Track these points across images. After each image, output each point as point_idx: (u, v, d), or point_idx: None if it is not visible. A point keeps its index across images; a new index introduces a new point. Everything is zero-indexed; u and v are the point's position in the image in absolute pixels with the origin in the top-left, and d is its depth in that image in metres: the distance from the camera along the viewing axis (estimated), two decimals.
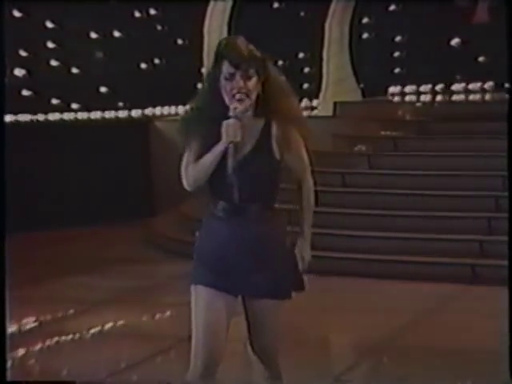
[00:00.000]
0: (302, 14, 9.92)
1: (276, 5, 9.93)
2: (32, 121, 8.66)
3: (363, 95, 9.50)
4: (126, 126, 8.95)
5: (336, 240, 6.55)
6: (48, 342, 4.81)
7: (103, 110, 9.08)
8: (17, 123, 8.50)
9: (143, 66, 9.41)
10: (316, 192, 2.87)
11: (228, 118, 2.62)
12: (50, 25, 8.79)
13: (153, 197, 8.64)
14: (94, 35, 9.11)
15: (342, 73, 9.28)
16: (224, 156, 2.65)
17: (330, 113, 8.73)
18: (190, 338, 2.71)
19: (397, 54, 10.44)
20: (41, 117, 8.71)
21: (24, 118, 8.62)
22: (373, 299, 5.62)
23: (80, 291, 6.03)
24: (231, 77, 2.63)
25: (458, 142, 7.30)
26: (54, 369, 4.38)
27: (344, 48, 9.36)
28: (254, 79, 2.65)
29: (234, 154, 2.65)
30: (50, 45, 8.82)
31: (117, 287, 6.15)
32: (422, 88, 10.25)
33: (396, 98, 10.07)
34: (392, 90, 10.23)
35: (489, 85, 10.00)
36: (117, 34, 9.23)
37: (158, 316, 5.38)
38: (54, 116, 8.81)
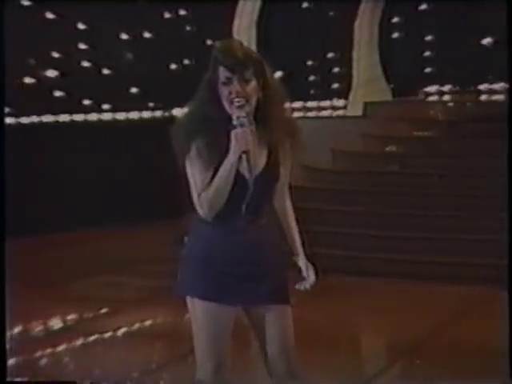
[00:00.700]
0: (332, 13, 9.88)
1: (305, 5, 9.90)
2: (64, 121, 8.75)
3: (393, 95, 9.43)
4: (156, 126, 9.00)
5: (365, 240, 6.52)
6: (78, 342, 4.84)
7: (133, 111, 9.14)
8: (48, 124, 8.59)
9: (173, 66, 9.45)
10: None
11: (231, 126, 2.48)
12: (81, 26, 8.87)
13: (182, 197, 8.67)
14: (124, 36, 9.18)
15: (372, 73, 9.22)
16: (237, 175, 2.51)
17: (359, 113, 8.67)
18: None
19: (427, 53, 10.35)
20: (72, 117, 8.80)
21: (56, 118, 8.71)
22: (403, 301, 5.58)
23: (109, 291, 6.07)
24: (228, 81, 2.51)
25: (489, 143, 7.21)
26: (84, 369, 4.41)
27: (374, 48, 9.30)
28: (253, 83, 2.53)
29: (248, 169, 2.51)
30: (82, 46, 8.90)
31: (146, 287, 6.18)
32: (453, 88, 10.14)
33: (427, 98, 9.98)
34: (423, 89, 10.14)
35: None
36: (147, 34, 9.29)
37: (187, 316, 5.40)
38: (85, 116, 8.89)
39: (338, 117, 9.07)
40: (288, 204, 2.69)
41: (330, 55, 9.98)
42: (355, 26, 9.12)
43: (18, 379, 4.03)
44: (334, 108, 9.51)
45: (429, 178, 7.00)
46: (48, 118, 8.64)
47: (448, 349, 4.55)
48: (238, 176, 2.53)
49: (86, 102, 8.91)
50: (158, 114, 9.30)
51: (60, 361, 4.64)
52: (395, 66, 9.70)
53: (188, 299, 2.64)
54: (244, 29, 9.03)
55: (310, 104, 9.48)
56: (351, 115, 8.80)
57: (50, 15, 8.65)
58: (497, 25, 9.76)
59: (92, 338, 4.92)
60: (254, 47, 9.27)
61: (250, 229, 2.59)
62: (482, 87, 10.08)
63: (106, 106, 9.02)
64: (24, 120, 8.49)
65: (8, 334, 4.72)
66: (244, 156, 2.49)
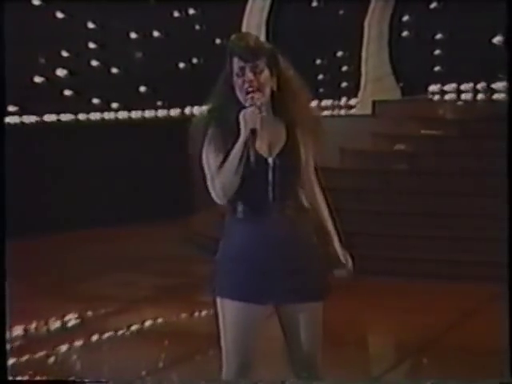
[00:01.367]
0: (341, 12, 9.87)
1: (315, 3, 9.89)
2: (73, 120, 8.78)
3: (403, 94, 9.41)
4: (165, 125, 9.01)
5: (374, 240, 6.51)
6: (87, 341, 4.86)
7: (143, 110, 9.16)
8: (58, 123, 8.63)
9: (182, 65, 9.46)
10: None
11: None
12: (91, 25, 8.90)
13: (191, 195, 8.69)
14: (133, 35, 9.20)
15: (381, 71, 9.20)
16: (252, 157, 2.52)
17: (368, 111, 8.66)
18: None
19: (437, 52, 10.31)
20: (82, 116, 8.83)
21: (65, 117, 8.74)
22: (412, 300, 5.57)
23: (119, 289, 6.09)
24: (242, 71, 2.56)
25: (499, 142, 7.17)
26: (92, 366, 4.43)
27: (383, 46, 9.28)
28: (266, 73, 2.57)
29: (267, 152, 2.55)
30: (91, 45, 8.92)
31: (156, 285, 6.19)
32: (463, 87, 10.11)
33: (436, 97, 9.95)
34: (432, 88, 10.11)
35: None
36: (156, 34, 9.30)
37: (196, 314, 5.41)
38: (94, 115, 8.91)
39: (347, 115, 9.05)
40: (317, 190, 2.69)
41: (340, 54, 9.97)
42: (365, 25, 9.10)
43: (20, 378, 4.04)
44: (343, 107, 9.49)
45: (438, 177, 6.98)
46: (57, 117, 8.67)
47: (457, 348, 4.54)
48: (257, 157, 2.54)
49: (96, 101, 8.94)
50: (167, 112, 9.31)
51: (70, 359, 4.66)
52: (405, 64, 9.68)
53: (218, 301, 2.63)
54: (253, 27, 9.02)
55: (318, 103, 9.47)
56: (360, 114, 8.79)
57: (59, 14, 8.68)
58: (507, 23, 9.69)
59: (101, 337, 4.93)
60: None
61: (280, 219, 2.57)
62: (492, 86, 10.04)
63: (115, 105, 9.04)
64: (33, 119, 8.53)
65: (18, 332, 4.74)
66: (251, 136, 2.52)
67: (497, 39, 10.12)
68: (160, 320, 5.31)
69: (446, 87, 10.22)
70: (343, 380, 3.81)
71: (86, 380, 3.92)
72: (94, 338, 4.90)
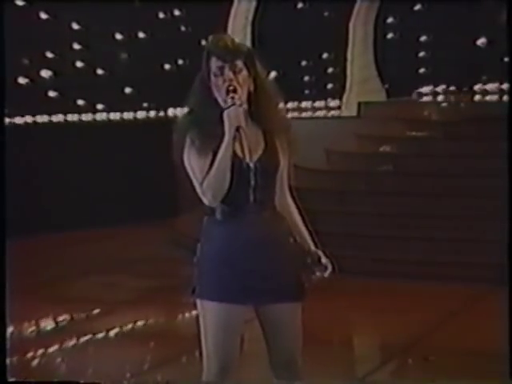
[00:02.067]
0: (326, 14, 9.89)
1: (300, 5, 9.91)
2: (58, 121, 8.74)
3: (388, 95, 9.45)
4: (151, 126, 9.00)
5: (359, 241, 6.52)
6: (72, 342, 4.84)
7: (128, 111, 9.14)
8: (43, 124, 8.59)
9: (167, 66, 9.45)
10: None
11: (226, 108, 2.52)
12: (75, 26, 8.86)
13: (177, 197, 8.68)
14: (118, 36, 9.17)
15: (367, 73, 9.23)
16: (235, 159, 2.53)
17: (354, 113, 8.68)
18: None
19: (422, 54, 10.37)
20: (67, 117, 8.79)
21: (50, 118, 8.70)
22: (398, 300, 5.59)
23: (104, 291, 6.06)
24: (220, 71, 2.56)
25: (483, 143, 7.22)
26: (77, 369, 4.41)
27: (368, 48, 9.31)
28: (244, 73, 2.58)
29: (247, 153, 2.54)
30: (76, 46, 8.89)
31: (141, 287, 6.17)
32: (448, 88, 10.16)
33: (421, 99, 10.00)
34: (417, 90, 10.16)
35: None
36: (141, 35, 9.28)
37: (182, 316, 5.40)
38: (79, 117, 8.88)
39: (333, 117, 9.08)
40: (289, 201, 2.70)
41: (325, 55, 10.00)
42: (350, 26, 9.13)
43: (15, 379, 4.02)
44: (328, 108, 9.52)
45: (423, 178, 7.01)
46: (42, 119, 8.63)
47: (444, 348, 4.56)
48: (239, 161, 2.55)
49: (81, 102, 8.90)
50: (153, 114, 9.29)
51: (55, 361, 4.63)
52: (389, 66, 9.72)
53: (198, 301, 2.63)
54: (238, 29, 9.02)
55: (304, 104, 9.49)
56: (345, 115, 8.81)
57: (44, 15, 8.64)
58: (491, 25, 9.79)
59: (87, 339, 4.91)
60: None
61: (259, 222, 2.58)
62: (476, 88, 10.10)
63: (100, 106, 9.01)
64: (18, 120, 8.48)
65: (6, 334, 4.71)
66: (237, 134, 2.51)
67: (481, 41, 10.19)
68: (146, 321, 5.30)
69: (431, 89, 10.29)
70: (327, 381, 3.82)
71: (76, 381, 3.90)
72: (79, 340, 4.88)
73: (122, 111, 9.08)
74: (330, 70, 9.96)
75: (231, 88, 2.54)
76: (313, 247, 2.71)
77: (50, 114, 8.66)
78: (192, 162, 2.57)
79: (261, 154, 2.60)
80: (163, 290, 5.95)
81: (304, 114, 9.39)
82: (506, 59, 10.07)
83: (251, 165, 2.57)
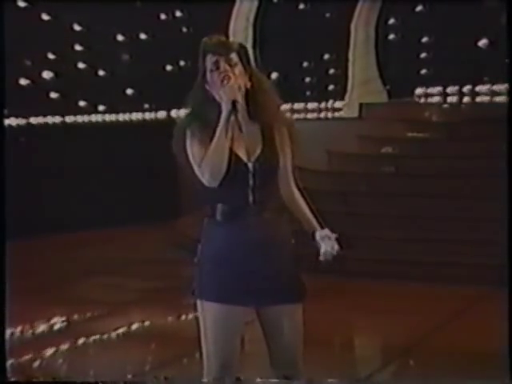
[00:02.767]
0: (328, 15, 9.89)
1: (301, 6, 9.91)
2: (59, 123, 8.74)
3: (389, 96, 9.45)
4: (152, 127, 9.00)
5: (360, 242, 6.52)
6: (73, 343, 4.84)
7: (129, 112, 9.14)
8: (45, 125, 8.59)
9: (169, 67, 9.45)
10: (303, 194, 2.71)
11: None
12: (77, 28, 8.87)
13: (179, 198, 8.68)
14: (120, 38, 9.18)
15: (368, 74, 9.23)
16: (234, 159, 2.54)
17: (355, 114, 8.68)
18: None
19: (423, 55, 10.36)
20: (68, 119, 8.80)
21: (51, 119, 8.70)
22: (400, 301, 5.58)
23: (105, 292, 6.07)
24: (216, 65, 2.59)
25: (485, 144, 7.22)
26: (79, 369, 4.41)
27: (370, 49, 9.31)
28: (240, 67, 2.61)
29: (246, 156, 2.56)
30: (78, 47, 8.89)
31: (142, 288, 6.17)
32: (449, 89, 10.16)
33: (423, 100, 10.00)
34: (419, 91, 10.16)
35: None
36: (143, 36, 9.29)
37: (184, 317, 5.40)
38: (81, 118, 8.88)
39: (334, 118, 9.07)
40: (295, 190, 2.69)
41: (326, 57, 10.00)
42: (351, 27, 9.13)
43: (16, 379, 4.02)
44: (329, 109, 9.52)
45: (425, 179, 7.01)
46: (44, 120, 8.63)
47: (445, 350, 4.56)
48: (237, 161, 2.56)
49: (82, 103, 8.91)
50: (154, 115, 9.30)
51: (56, 362, 4.64)
52: (391, 67, 9.72)
53: (198, 302, 2.63)
54: (240, 30, 9.03)
55: (305, 105, 9.49)
56: (347, 116, 8.81)
57: (45, 16, 8.65)
58: (492, 26, 9.78)
59: (88, 340, 4.91)
60: (250, 48, 9.28)
61: (259, 223, 2.58)
62: (477, 89, 10.10)
63: (102, 108, 9.01)
64: (19, 121, 8.49)
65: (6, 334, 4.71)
66: (233, 109, 2.53)
67: (482, 42, 10.18)
68: (147, 322, 5.30)
69: (433, 90, 10.28)
70: (328, 382, 3.82)
71: (76, 381, 3.90)
72: (81, 340, 4.88)
73: (123, 112, 9.09)
74: (332, 71, 9.96)
75: (226, 77, 2.57)
76: (319, 227, 2.69)
77: (51, 115, 8.66)
78: (193, 149, 2.58)
79: (259, 153, 2.60)
80: (164, 291, 5.95)
81: (305, 116, 9.39)
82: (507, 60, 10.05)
83: (249, 165, 2.58)
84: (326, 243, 2.63)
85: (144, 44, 9.27)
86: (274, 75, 9.62)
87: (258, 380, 2.84)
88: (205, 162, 2.53)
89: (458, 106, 9.49)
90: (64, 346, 4.79)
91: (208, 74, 2.62)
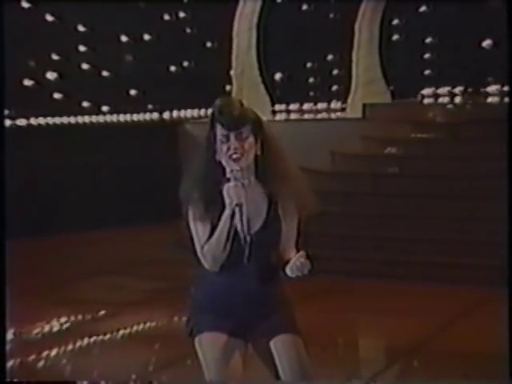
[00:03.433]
0: (332, 15, 9.89)
1: (305, 6, 9.91)
2: (63, 123, 8.75)
3: (393, 97, 9.44)
4: (155, 128, 9.00)
5: (365, 242, 6.52)
6: (76, 344, 4.84)
7: (133, 113, 9.15)
8: (48, 126, 8.60)
9: (172, 68, 9.46)
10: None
11: (226, 181, 2.55)
12: (81, 28, 8.88)
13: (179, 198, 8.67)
14: (124, 38, 9.18)
15: (372, 75, 9.23)
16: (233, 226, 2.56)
17: (359, 115, 8.68)
18: None
19: (427, 55, 10.35)
20: (72, 119, 8.81)
21: (55, 120, 8.71)
22: (403, 302, 5.58)
23: (108, 293, 6.07)
24: (226, 138, 2.57)
25: (488, 145, 7.21)
26: (80, 370, 4.41)
27: (373, 50, 9.31)
28: (251, 139, 2.57)
29: (245, 228, 2.57)
30: (82, 48, 8.90)
31: (146, 289, 6.17)
32: (453, 90, 10.15)
33: (426, 100, 9.98)
34: (422, 91, 10.15)
35: None
36: (147, 37, 9.30)
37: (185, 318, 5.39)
38: (84, 118, 8.89)
39: (338, 119, 9.07)
40: (293, 253, 2.65)
41: (330, 57, 9.99)
42: (355, 28, 9.13)
43: (17, 380, 4.03)
44: (333, 110, 9.51)
45: (428, 180, 7.00)
46: (47, 120, 8.64)
47: (448, 350, 4.55)
48: (235, 232, 2.59)
49: (86, 104, 8.92)
50: (158, 115, 9.30)
51: (59, 363, 4.64)
52: (395, 68, 9.71)
53: (196, 340, 2.65)
54: (244, 31, 9.03)
55: (309, 106, 9.49)
56: (351, 117, 8.80)
57: (49, 17, 8.66)
58: (496, 27, 9.76)
59: (90, 341, 4.92)
60: (253, 49, 9.28)
61: (253, 277, 2.63)
62: (481, 89, 10.08)
63: (105, 108, 9.02)
64: (23, 122, 8.50)
65: (8, 335, 4.71)
66: (237, 209, 2.54)
67: (486, 43, 10.17)
68: (150, 323, 5.30)
69: (436, 90, 10.27)
70: (332, 383, 3.81)
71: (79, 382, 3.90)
72: (84, 341, 4.88)
73: (126, 113, 9.10)
74: (335, 71, 9.95)
75: (235, 157, 2.56)
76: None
77: (54, 116, 8.67)
78: (194, 224, 2.63)
79: (259, 228, 2.61)
80: (168, 291, 5.95)
81: (309, 116, 9.38)
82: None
83: (247, 238, 2.59)
84: (297, 265, 2.55)
85: (148, 45, 9.28)
86: (278, 76, 9.63)
87: None
88: (207, 251, 2.61)
89: (462, 106, 9.48)
90: (65, 347, 4.79)
91: (218, 142, 2.60)
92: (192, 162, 2.68)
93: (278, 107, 9.40)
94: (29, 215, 7.96)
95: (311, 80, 9.91)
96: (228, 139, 2.57)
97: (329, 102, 9.58)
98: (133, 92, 9.22)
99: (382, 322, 5.14)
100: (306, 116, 9.35)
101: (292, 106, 9.45)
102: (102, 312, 5.56)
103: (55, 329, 5.25)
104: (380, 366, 4.59)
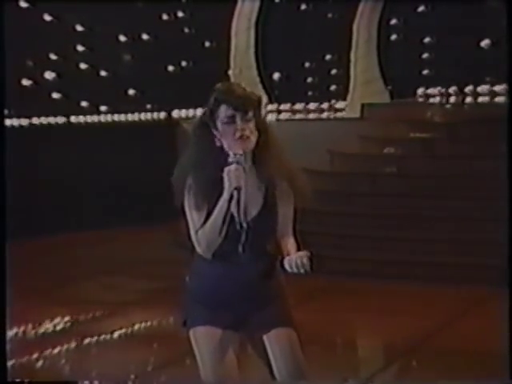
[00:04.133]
0: (330, 15, 9.89)
1: (303, 6, 9.91)
2: (61, 123, 8.75)
3: (391, 97, 9.44)
4: (154, 127, 9.01)
5: (363, 242, 6.52)
6: (75, 344, 4.84)
7: (131, 113, 9.15)
8: (47, 125, 8.60)
9: (171, 68, 9.46)
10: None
11: (227, 164, 2.51)
12: (79, 28, 8.88)
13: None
14: (122, 38, 9.18)
15: (370, 74, 9.23)
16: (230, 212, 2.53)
17: (357, 114, 8.68)
18: None
19: (425, 55, 10.36)
20: (70, 119, 8.80)
21: (53, 120, 8.71)
22: (401, 302, 5.58)
23: (107, 293, 6.07)
24: (231, 120, 2.54)
25: (487, 145, 7.22)
26: (81, 370, 4.41)
27: (372, 49, 9.31)
28: (253, 123, 2.56)
29: (242, 214, 2.55)
30: (80, 48, 8.90)
31: (144, 289, 6.18)
32: (451, 90, 10.15)
33: (424, 100, 9.99)
34: (420, 91, 10.15)
35: None
36: (145, 36, 9.30)
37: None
38: (83, 118, 8.89)
39: (336, 118, 9.07)
40: (291, 240, 2.66)
41: (328, 57, 9.99)
42: (353, 28, 9.13)
43: (17, 380, 4.03)
44: (331, 110, 9.52)
45: (426, 180, 7.01)
46: (46, 120, 8.64)
47: (446, 350, 4.56)
48: (231, 218, 2.56)
49: (84, 103, 8.92)
50: (156, 115, 9.30)
51: (57, 362, 4.64)
52: (393, 67, 9.71)
53: (191, 332, 2.64)
54: (242, 31, 9.03)
55: (307, 106, 9.49)
56: (349, 117, 8.81)
57: (48, 17, 8.66)
58: (495, 27, 9.77)
59: (89, 340, 4.92)
60: (252, 49, 9.28)
61: (249, 266, 2.61)
62: (479, 89, 10.09)
63: (103, 108, 9.02)
64: (22, 122, 8.49)
65: (8, 335, 4.71)
66: (236, 193, 2.51)
67: (484, 42, 10.17)
68: (149, 323, 5.30)
69: (434, 90, 10.28)
70: (330, 382, 3.82)
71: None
72: (83, 341, 4.88)
73: (125, 113, 9.09)
74: (334, 71, 9.96)
75: (243, 137, 2.53)
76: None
77: (53, 116, 8.67)
78: (190, 209, 2.60)
79: (256, 214, 2.59)
80: (166, 291, 5.95)
81: (307, 116, 9.39)
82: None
83: (244, 224, 2.58)
84: (296, 263, 2.53)
85: (146, 44, 9.28)
86: (276, 75, 9.63)
87: None
88: (201, 235, 2.58)
89: (460, 106, 9.48)
90: (65, 347, 4.80)
91: (219, 124, 2.57)
92: (186, 149, 2.65)
93: (276, 107, 9.41)
94: (27, 215, 7.96)
95: (309, 80, 9.92)
96: (234, 120, 2.54)
97: (327, 102, 9.59)
98: (131, 92, 9.22)
99: (381, 322, 5.15)
100: (305, 116, 9.35)
101: (290, 106, 9.46)
102: (102, 312, 5.56)
103: (55, 328, 5.25)
104: (378, 365, 4.59)
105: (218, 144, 2.58)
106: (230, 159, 2.53)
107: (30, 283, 6.18)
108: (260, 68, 9.25)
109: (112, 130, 8.87)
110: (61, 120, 8.74)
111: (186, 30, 9.56)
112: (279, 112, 9.40)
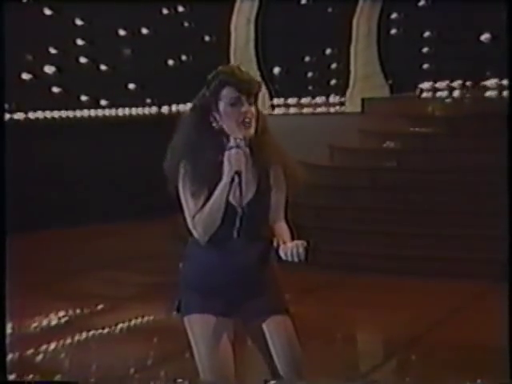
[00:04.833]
0: (330, 9, 9.88)
1: (303, 1, 9.89)
2: (61, 117, 8.75)
3: (391, 91, 9.44)
4: (153, 122, 9.00)
5: (362, 236, 6.52)
6: (75, 338, 4.85)
7: (131, 107, 9.14)
8: (46, 120, 8.60)
9: (170, 62, 9.45)
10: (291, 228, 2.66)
11: (226, 148, 2.50)
12: (79, 22, 8.87)
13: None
14: (122, 32, 9.17)
15: (370, 69, 9.22)
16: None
17: (357, 109, 8.68)
18: None
19: (426, 49, 10.34)
20: (70, 113, 8.80)
21: (53, 114, 8.70)
22: (400, 297, 5.59)
23: (107, 287, 6.08)
24: (237, 101, 2.53)
25: (487, 139, 7.21)
26: (81, 364, 4.42)
27: (372, 44, 9.30)
28: (254, 107, 2.57)
29: (237, 197, 2.53)
30: (80, 42, 8.89)
31: (144, 283, 6.18)
32: (451, 84, 10.14)
33: (425, 95, 9.98)
34: (421, 86, 10.14)
35: None
36: (145, 31, 9.28)
37: None
38: (82, 112, 8.89)
39: (336, 113, 9.07)
40: (283, 225, 2.66)
41: (328, 51, 9.98)
42: (353, 22, 9.12)
43: (15, 376, 4.03)
44: (331, 104, 9.51)
45: (426, 174, 7.01)
46: (46, 114, 8.64)
47: (446, 345, 4.56)
48: (227, 202, 2.55)
49: (84, 98, 8.91)
50: (156, 109, 9.30)
51: (57, 357, 4.65)
52: (393, 62, 9.70)
53: (185, 320, 2.63)
54: (242, 25, 9.02)
55: (307, 100, 9.48)
56: (349, 111, 8.80)
57: (47, 11, 8.64)
58: (495, 21, 9.75)
59: (89, 335, 4.93)
60: (252, 44, 9.27)
61: (243, 252, 2.60)
62: (479, 84, 10.08)
63: (103, 102, 9.01)
64: (21, 116, 8.49)
65: (7, 329, 4.72)
66: (236, 177, 2.50)
67: (485, 37, 10.16)
68: (149, 317, 5.31)
69: (434, 85, 10.26)
70: (329, 379, 3.82)
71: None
72: (82, 336, 4.89)
73: (125, 107, 9.09)
74: (334, 65, 9.95)
75: (247, 120, 2.53)
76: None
77: (53, 110, 8.66)
78: (186, 193, 2.58)
79: (251, 197, 2.58)
80: (166, 285, 5.96)
81: (307, 110, 9.38)
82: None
83: (239, 209, 2.56)
84: (292, 252, 2.51)
85: (146, 39, 9.27)
86: (276, 70, 9.62)
87: None
88: (198, 220, 2.55)
89: (460, 100, 9.47)
90: (65, 341, 4.80)
91: (221, 106, 2.55)
92: (178, 132, 2.62)
93: (276, 101, 9.40)
94: (28, 209, 7.96)
95: (310, 74, 9.91)
96: (239, 101, 2.53)
97: (327, 96, 9.58)
98: (131, 86, 9.21)
99: (381, 316, 5.15)
100: (305, 110, 9.34)
101: (290, 101, 9.45)
102: (103, 306, 5.57)
103: (55, 323, 5.26)
104: (378, 360, 4.60)
105: (216, 127, 2.56)
106: (231, 143, 2.51)
107: (30, 277, 6.18)
108: (260, 62, 9.23)
109: (112, 124, 8.87)
110: (61, 114, 8.74)
111: (186, 25, 9.55)
112: (279, 106, 9.40)
